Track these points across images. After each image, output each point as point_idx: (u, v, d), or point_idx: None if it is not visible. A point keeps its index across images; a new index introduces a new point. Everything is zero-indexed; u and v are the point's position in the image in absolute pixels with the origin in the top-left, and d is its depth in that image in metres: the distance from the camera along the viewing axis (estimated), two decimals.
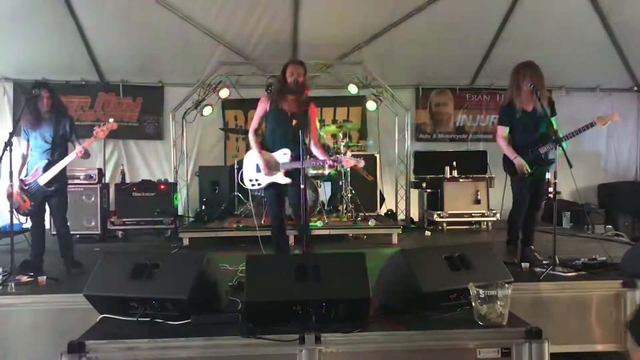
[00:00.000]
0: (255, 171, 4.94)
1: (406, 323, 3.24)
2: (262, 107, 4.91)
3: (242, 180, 5.12)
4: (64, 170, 5.04)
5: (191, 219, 8.11)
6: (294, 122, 4.72)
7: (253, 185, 5.00)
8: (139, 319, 3.26)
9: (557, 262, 4.64)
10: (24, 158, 5.11)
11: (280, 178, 4.81)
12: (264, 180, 4.88)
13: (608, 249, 5.35)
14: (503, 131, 5.13)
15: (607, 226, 7.77)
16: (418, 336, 3.11)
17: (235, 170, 7.64)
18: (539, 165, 5.01)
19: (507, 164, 5.16)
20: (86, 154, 5.04)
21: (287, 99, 4.80)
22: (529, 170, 4.94)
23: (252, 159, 4.98)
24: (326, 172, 7.05)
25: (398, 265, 3.52)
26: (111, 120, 5.05)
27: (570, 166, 4.40)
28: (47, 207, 5.17)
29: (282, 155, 4.83)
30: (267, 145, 4.94)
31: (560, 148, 4.58)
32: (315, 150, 4.95)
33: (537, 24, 7.95)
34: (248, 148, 8.30)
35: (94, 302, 3.44)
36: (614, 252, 5.15)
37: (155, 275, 3.36)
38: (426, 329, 3.16)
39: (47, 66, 8.29)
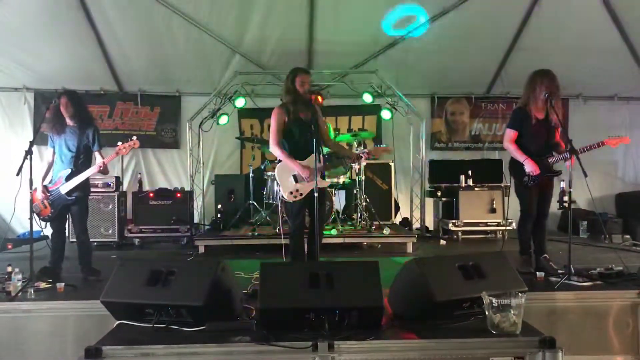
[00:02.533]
0: (294, 182, 4.78)
1: (419, 332, 3.24)
2: (280, 119, 4.83)
3: (281, 195, 4.99)
4: (86, 179, 5.12)
5: (207, 227, 8.18)
6: (313, 127, 4.67)
7: (295, 197, 4.78)
8: (155, 325, 3.30)
9: (573, 271, 4.62)
10: (50, 165, 5.22)
11: (322, 182, 4.75)
12: (306, 188, 4.75)
13: (625, 258, 5.30)
14: (513, 135, 5.11)
15: (625, 236, 7.67)
16: (431, 345, 3.11)
17: (251, 179, 7.70)
18: (545, 174, 4.99)
19: (514, 167, 5.16)
20: (105, 170, 5.08)
21: (301, 107, 4.83)
22: (537, 174, 4.92)
23: (287, 171, 4.83)
24: (340, 180, 7.07)
25: (411, 273, 3.52)
26: (134, 137, 5.10)
27: (586, 175, 4.38)
28: (69, 215, 5.28)
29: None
30: (295, 156, 4.82)
31: (576, 157, 4.54)
32: (336, 149, 4.95)
33: (554, 33, 7.91)
34: (264, 157, 8.47)
35: (110, 309, 3.48)
36: (631, 262, 5.11)
37: (171, 282, 3.40)
38: (439, 337, 3.16)
39: (66, 76, 8.43)
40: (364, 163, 7.28)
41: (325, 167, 4.84)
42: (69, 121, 5.12)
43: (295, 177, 4.79)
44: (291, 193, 4.79)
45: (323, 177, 4.80)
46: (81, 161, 5.12)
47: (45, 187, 5.09)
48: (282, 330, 3.15)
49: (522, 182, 5.08)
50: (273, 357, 3.03)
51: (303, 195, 4.77)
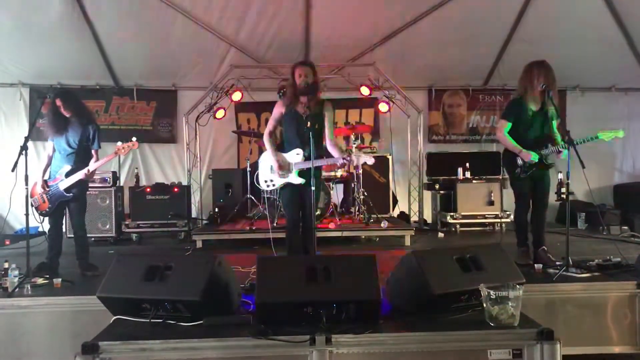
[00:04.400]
0: (269, 172, 5.00)
1: (417, 324, 3.23)
2: (278, 110, 4.92)
3: (257, 181, 5.16)
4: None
5: (204, 222, 8.16)
6: (309, 123, 4.65)
7: (268, 186, 5.07)
8: (152, 320, 3.29)
9: (571, 263, 4.60)
10: (50, 159, 5.21)
11: (294, 178, 4.82)
12: (278, 181, 4.92)
13: (623, 250, 5.29)
14: (506, 126, 5.05)
15: (623, 227, 7.66)
16: (429, 337, 3.11)
17: (248, 173, 7.67)
18: (538, 167, 4.95)
19: (507, 159, 5.14)
20: (91, 176, 5.08)
21: (300, 100, 4.79)
22: (534, 162, 4.89)
23: (267, 161, 5.04)
24: (338, 174, 7.05)
25: (409, 266, 3.51)
26: (134, 139, 5.09)
27: (583, 167, 4.36)
28: (66, 210, 5.26)
29: (295, 156, 4.84)
30: (283, 148, 4.98)
31: (573, 149, 4.51)
32: (331, 150, 4.93)
33: (551, 24, 7.89)
34: (261, 151, 8.43)
35: (107, 304, 3.47)
36: (629, 253, 5.11)
37: (168, 277, 3.39)
38: (437, 330, 3.15)
39: (62, 71, 8.42)
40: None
41: (304, 164, 4.82)
42: (70, 118, 5.09)
43: (272, 167, 4.96)
44: (265, 181, 5.09)
45: (297, 174, 4.83)
46: (80, 158, 5.09)
47: (45, 181, 5.08)
48: (279, 324, 3.14)
49: (514, 173, 5.06)
50: (271, 351, 3.02)
51: (275, 186, 5.03)
